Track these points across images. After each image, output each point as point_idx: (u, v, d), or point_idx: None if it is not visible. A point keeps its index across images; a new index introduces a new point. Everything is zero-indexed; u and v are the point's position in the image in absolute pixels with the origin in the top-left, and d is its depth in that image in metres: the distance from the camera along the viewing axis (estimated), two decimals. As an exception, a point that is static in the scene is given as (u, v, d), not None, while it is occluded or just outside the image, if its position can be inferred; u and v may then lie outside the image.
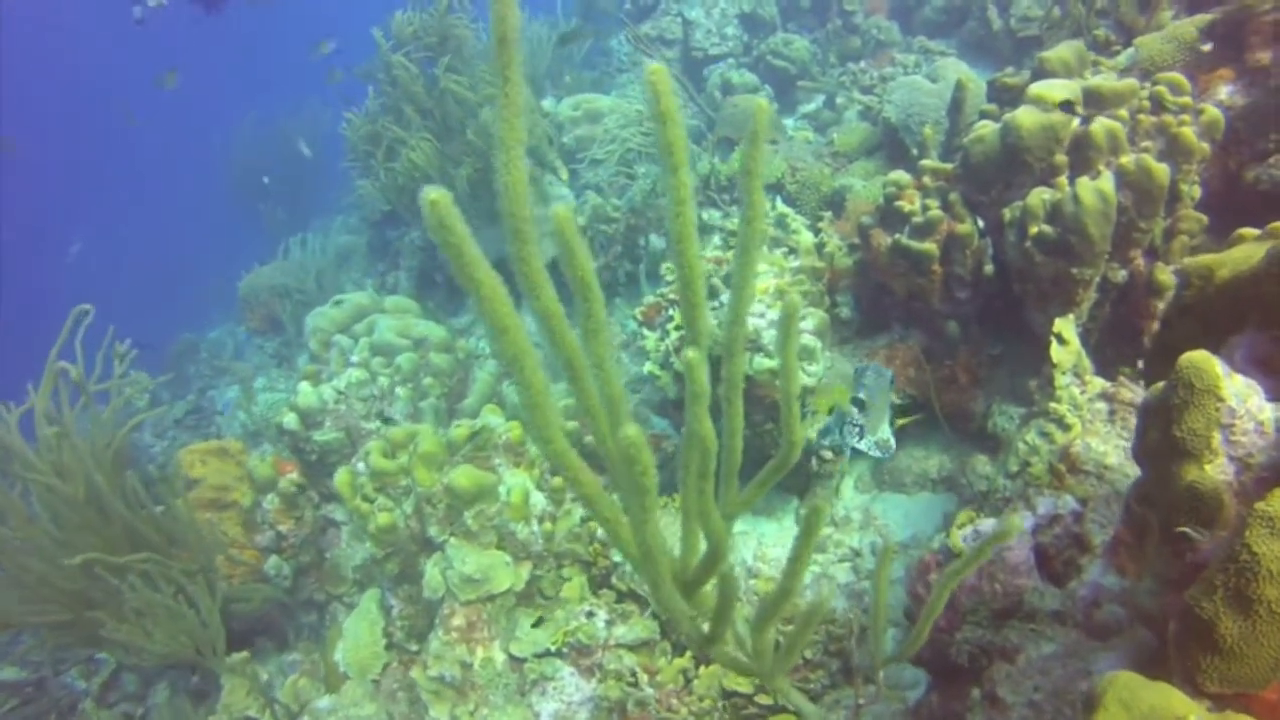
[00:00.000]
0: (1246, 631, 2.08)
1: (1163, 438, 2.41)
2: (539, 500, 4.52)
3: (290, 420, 5.63)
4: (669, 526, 4.60)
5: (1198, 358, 2.32)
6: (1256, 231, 2.79)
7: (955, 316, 4.50)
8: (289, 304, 8.21)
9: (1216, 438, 2.36)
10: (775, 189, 6.08)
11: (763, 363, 4.29)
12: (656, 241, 6.61)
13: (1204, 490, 2.29)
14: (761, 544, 5.00)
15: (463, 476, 4.31)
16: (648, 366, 5.17)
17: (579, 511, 4.75)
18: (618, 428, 1.91)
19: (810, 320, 4.43)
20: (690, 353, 1.96)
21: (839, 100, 7.44)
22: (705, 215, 6.20)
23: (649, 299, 5.45)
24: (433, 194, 1.41)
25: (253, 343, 8.88)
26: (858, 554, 4.89)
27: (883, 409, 3.28)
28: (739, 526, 5.10)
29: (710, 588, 2.48)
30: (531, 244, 1.80)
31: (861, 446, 3.45)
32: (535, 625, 4.41)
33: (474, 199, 6.97)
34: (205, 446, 6.46)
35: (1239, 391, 2.37)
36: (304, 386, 5.80)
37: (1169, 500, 2.38)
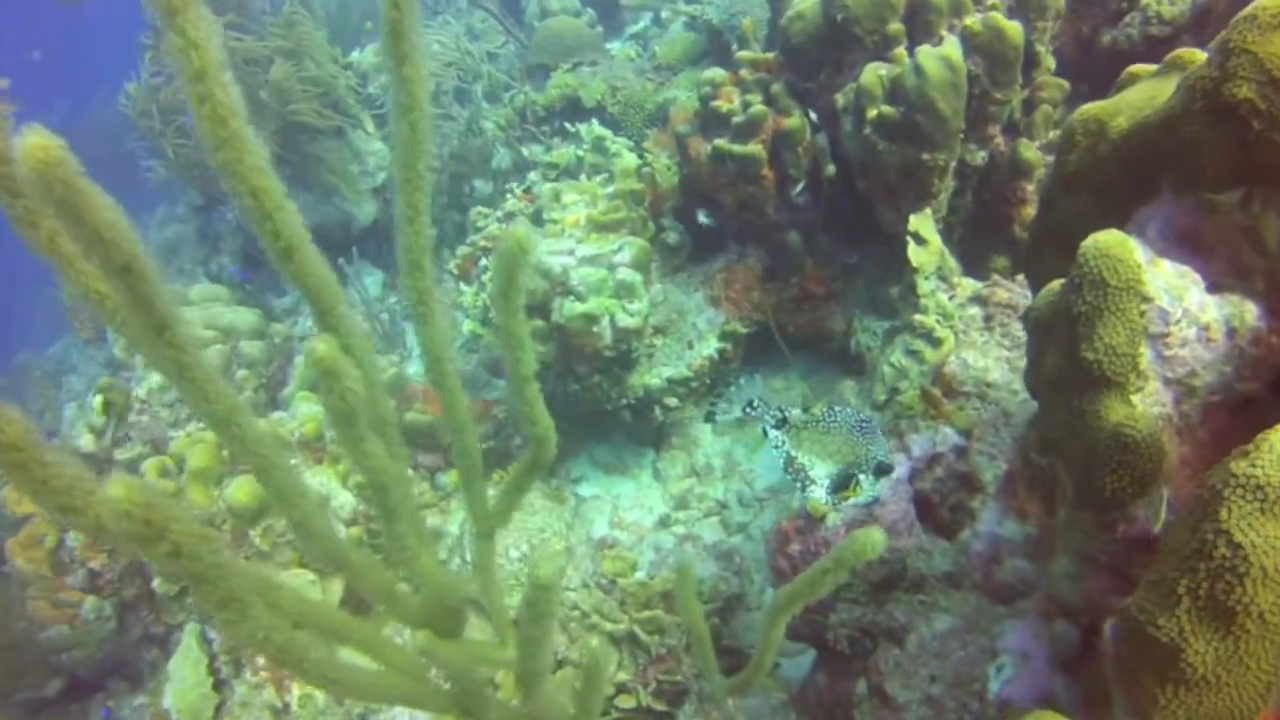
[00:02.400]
0: (1227, 654, 1.26)
1: (1067, 362, 1.58)
2: (346, 501, 3.63)
3: (87, 442, 4.64)
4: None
5: (1108, 241, 1.48)
6: (1151, 67, 1.96)
7: (796, 226, 3.65)
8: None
9: (1145, 355, 1.53)
10: (596, 113, 5.18)
11: (573, 307, 3.41)
12: (483, 187, 5.69)
13: (1137, 437, 1.46)
14: (617, 508, 4.16)
15: (239, 491, 3.40)
16: (467, 325, 4.29)
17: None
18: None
19: (627, 251, 3.56)
20: (319, 347, 1.10)
21: (664, 15, 6.53)
22: (527, 151, 5.30)
23: (462, 250, 4.55)
24: None
25: (86, 353, 7.78)
26: (724, 506, 4.07)
27: (834, 454, 2.30)
28: (590, 490, 4.25)
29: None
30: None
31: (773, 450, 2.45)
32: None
33: (282, 163, 5.98)
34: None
35: (1169, 284, 1.53)
36: (98, 401, 4.80)
37: (1085, 450, 1.55)
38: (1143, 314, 1.50)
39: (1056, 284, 1.63)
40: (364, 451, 1.19)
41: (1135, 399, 1.52)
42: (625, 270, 3.48)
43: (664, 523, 4.07)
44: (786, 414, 2.27)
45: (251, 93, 5.86)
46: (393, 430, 1.41)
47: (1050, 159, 3.38)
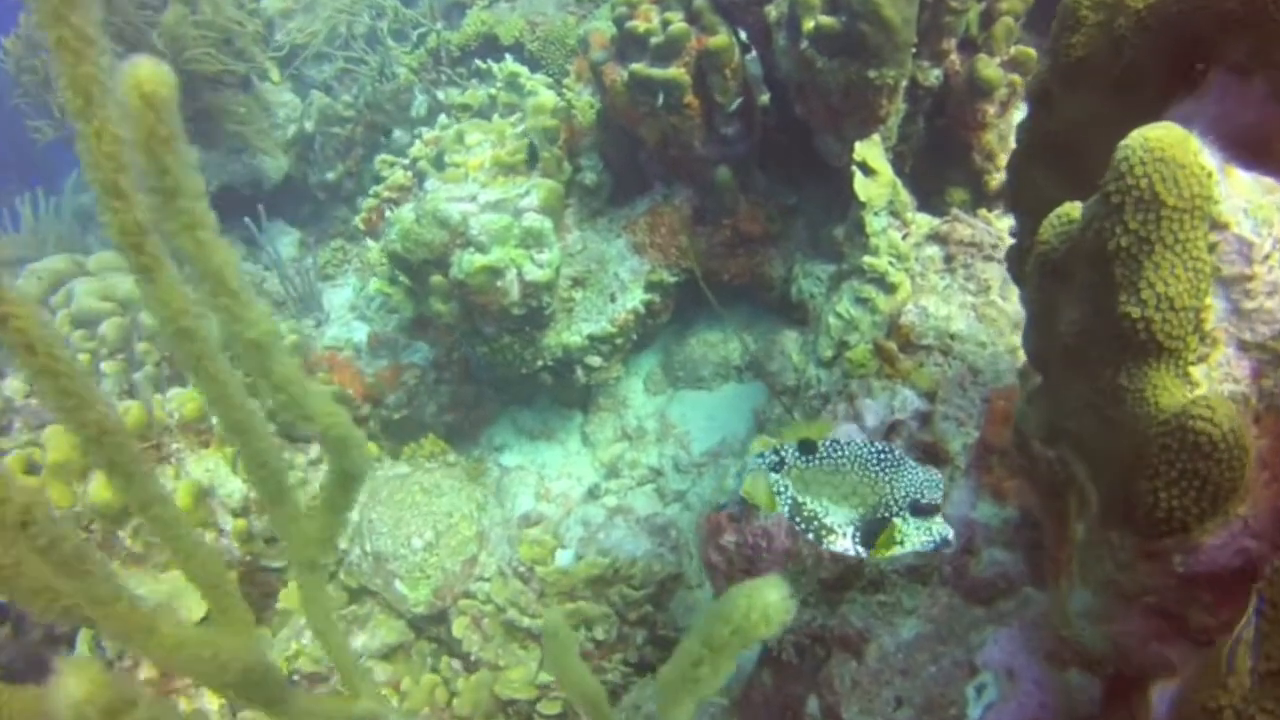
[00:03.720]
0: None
1: (1094, 320, 1.04)
2: (235, 489, 3.06)
3: (-32, 430, 4.02)
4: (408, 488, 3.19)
5: (1162, 140, 0.94)
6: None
7: (726, 160, 3.10)
8: (25, 281, 6.43)
9: (1214, 309, 0.99)
10: (514, 51, 4.61)
11: (474, 261, 2.85)
12: (401, 137, 5.09)
13: (1214, 435, 0.93)
14: (543, 478, 3.63)
15: (101, 488, 2.82)
16: (375, 284, 3.72)
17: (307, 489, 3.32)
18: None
19: (535, 195, 3.00)
20: None
21: (588, -55, 5.91)
22: (443, 94, 4.71)
23: (366, 203, 3.97)
24: None
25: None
26: (659, 473, 3.55)
27: (850, 496, 1.66)
28: (514, 459, 3.71)
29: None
30: None
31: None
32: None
33: (185, 120, 5.31)
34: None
35: (1250, 203, 1.00)
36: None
37: (1123, 449, 1.02)
38: (1213, 247, 0.97)
39: (1074, 208, 1.09)
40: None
41: (1196, 372, 0.99)
42: (532, 216, 2.92)
43: (594, 494, 3.54)
44: (783, 454, 1.68)
45: (144, 39, 5.22)
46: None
47: (1013, 76, 2.85)
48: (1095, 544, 1.13)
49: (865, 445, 1.58)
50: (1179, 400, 0.96)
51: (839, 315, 2.60)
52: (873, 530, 1.59)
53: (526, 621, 2.82)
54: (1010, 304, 2.34)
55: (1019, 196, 1.51)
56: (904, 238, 2.60)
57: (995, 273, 2.44)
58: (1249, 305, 0.98)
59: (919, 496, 1.53)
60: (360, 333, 4.32)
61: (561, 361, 3.23)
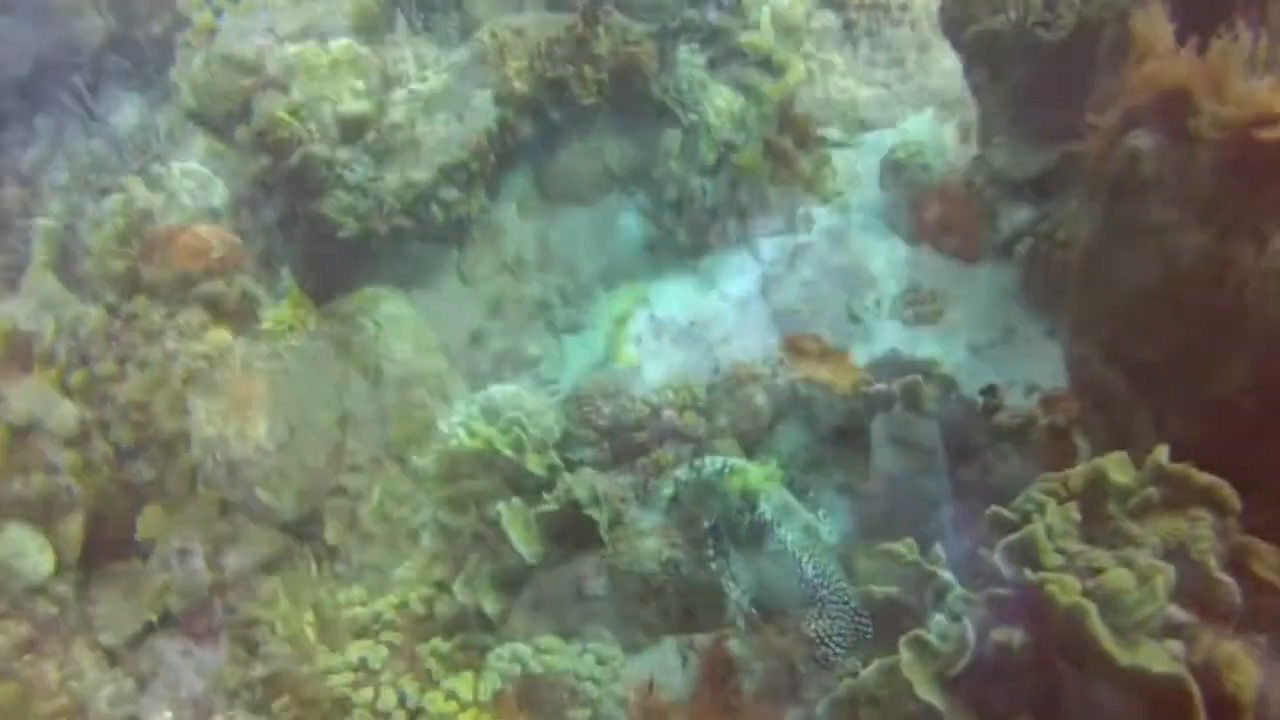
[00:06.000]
0: None
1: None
2: (68, 414, 2.58)
3: None
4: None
5: None
6: None
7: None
8: None
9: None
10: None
11: (277, 103, 2.22)
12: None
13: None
14: (421, 328, 3.08)
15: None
16: (203, 144, 3.08)
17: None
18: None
19: (341, 13, 2.33)
20: None
21: None
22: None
23: (181, 53, 3.28)
24: None
25: None
26: (547, 306, 3.02)
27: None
28: (389, 311, 3.13)
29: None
30: None
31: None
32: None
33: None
34: None
35: None
36: None
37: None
38: None
39: None
40: None
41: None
42: (343, 40, 2.27)
43: (477, 339, 3.00)
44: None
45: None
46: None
47: None
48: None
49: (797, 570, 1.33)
50: None
51: (719, 110, 2.02)
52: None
53: (407, 512, 2.32)
54: (932, 77, 1.78)
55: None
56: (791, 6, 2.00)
57: (907, 38, 1.87)
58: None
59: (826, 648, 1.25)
60: (218, 196, 3.63)
61: (413, 203, 2.63)
